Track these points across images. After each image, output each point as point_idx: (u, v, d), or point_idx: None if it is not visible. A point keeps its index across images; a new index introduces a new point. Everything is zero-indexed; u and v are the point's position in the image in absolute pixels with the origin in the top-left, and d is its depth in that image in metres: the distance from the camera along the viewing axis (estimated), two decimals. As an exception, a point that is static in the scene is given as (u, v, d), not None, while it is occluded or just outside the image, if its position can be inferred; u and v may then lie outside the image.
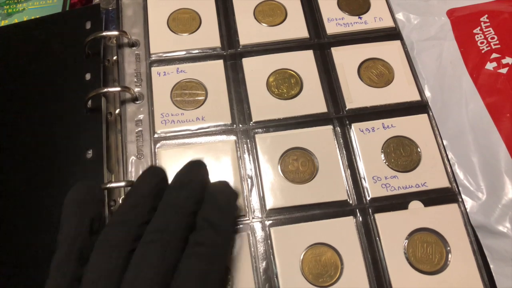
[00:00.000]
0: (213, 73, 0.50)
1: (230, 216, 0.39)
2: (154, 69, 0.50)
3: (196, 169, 0.39)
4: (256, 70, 0.50)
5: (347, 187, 0.44)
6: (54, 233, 0.42)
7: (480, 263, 0.41)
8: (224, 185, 0.39)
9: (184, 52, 0.51)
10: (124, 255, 0.33)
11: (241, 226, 0.43)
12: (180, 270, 0.33)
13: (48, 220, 0.43)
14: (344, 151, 0.46)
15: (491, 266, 0.41)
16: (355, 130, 0.47)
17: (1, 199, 0.45)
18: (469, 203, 0.44)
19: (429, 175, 0.45)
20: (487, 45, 0.51)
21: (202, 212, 0.36)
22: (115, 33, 0.50)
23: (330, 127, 0.47)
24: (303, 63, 0.50)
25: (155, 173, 0.38)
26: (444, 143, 0.47)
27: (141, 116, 0.48)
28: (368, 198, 0.44)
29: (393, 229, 0.42)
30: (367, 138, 0.47)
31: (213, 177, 0.44)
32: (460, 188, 0.45)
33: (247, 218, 0.43)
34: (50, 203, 0.44)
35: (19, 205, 0.44)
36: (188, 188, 0.37)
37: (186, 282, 0.33)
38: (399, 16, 0.54)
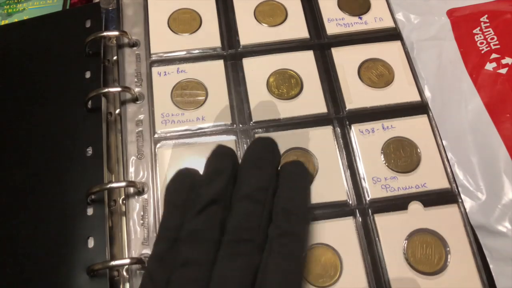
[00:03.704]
0: (213, 73, 0.50)
1: (308, 202, 0.38)
2: (155, 69, 0.50)
3: (268, 151, 0.38)
4: (256, 70, 0.50)
5: (347, 188, 0.45)
6: (54, 230, 0.43)
7: (479, 264, 0.41)
8: (297, 166, 0.38)
9: (184, 52, 0.51)
10: (214, 251, 0.33)
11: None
12: (266, 268, 0.33)
13: (48, 217, 0.44)
14: (344, 152, 0.46)
15: (491, 266, 0.41)
16: (355, 131, 0.47)
17: (2, 195, 0.45)
18: (468, 203, 0.44)
19: (429, 176, 0.45)
20: (487, 45, 0.51)
21: (280, 201, 0.35)
22: (116, 33, 0.50)
23: (330, 127, 0.47)
24: (303, 63, 0.50)
25: (228, 155, 0.37)
26: (444, 144, 0.47)
27: (141, 116, 0.48)
28: (367, 199, 0.44)
29: (392, 230, 0.43)
30: (367, 139, 0.47)
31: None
32: (459, 188, 0.45)
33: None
34: (50, 199, 0.44)
35: (19, 201, 0.45)
36: (265, 177, 0.36)
37: (273, 280, 0.32)
38: (399, 16, 0.54)
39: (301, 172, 0.38)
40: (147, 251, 0.42)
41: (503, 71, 0.49)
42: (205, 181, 0.37)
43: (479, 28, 0.52)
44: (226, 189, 0.35)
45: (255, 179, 0.36)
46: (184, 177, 0.38)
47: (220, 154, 0.38)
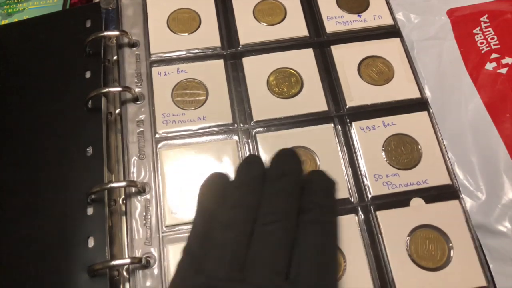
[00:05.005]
0: (213, 73, 0.50)
1: (334, 199, 0.40)
2: (155, 69, 0.50)
3: (291, 159, 0.41)
4: (256, 69, 0.50)
5: (349, 185, 0.44)
6: (54, 229, 0.43)
7: (482, 259, 0.41)
8: (319, 173, 0.41)
9: (184, 52, 0.51)
10: (247, 235, 0.35)
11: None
12: (298, 246, 0.35)
13: (48, 217, 0.43)
14: (345, 149, 0.46)
15: (491, 266, 0.41)
16: (356, 128, 0.47)
17: (2, 195, 0.45)
18: (468, 202, 0.44)
19: (430, 172, 0.45)
20: (487, 45, 0.51)
21: (307, 196, 0.38)
22: (116, 33, 0.50)
23: (331, 125, 0.47)
24: (303, 61, 0.50)
25: (259, 161, 0.41)
26: (444, 143, 0.47)
27: (142, 117, 0.48)
28: (369, 196, 0.44)
29: (395, 226, 0.42)
30: (368, 136, 0.46)
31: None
32: (459, 188, 0.45)
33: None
34: (51, 198, 0.44)
35: (20, 201, 0.44)
36: (292, 175, 0.39)
37: (306, 255, 0.34)
38: (399, 15, 0.54)
39: (325, 174, 0.40)
40: (150, 250, 0.42)
41: (503, 71, 0.49)
42: (237, 182, 0.39)
43: (479, 28, 0.52)
44: (257, 189, 0.38)
45: (283, 179, 0.38)
46: (216, 180, 0.41)
47: (251, 161, 0.41)
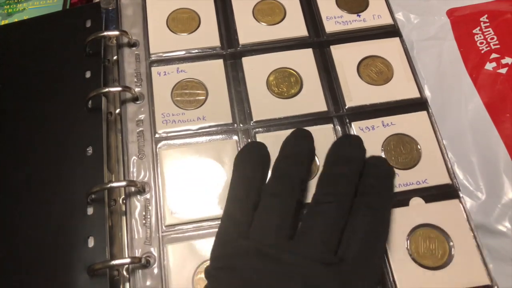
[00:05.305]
0: (213, 73, 0.50)
1: (392, 187, 0.42)
2: (154, 69, 0.50)
3: (356, 146, 0.42)
4: (256, 69, 0.50)
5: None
6: (54, 229, 0.42)
7: (484, 257, 0.41)
8: (381, 160, 0.43)
9: (183, 52, 0.51)
10: (293, 205, 0.37)
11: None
12: (351, 226, 0.36)
13: (48, 217, 0.43)
14: (345, 149, 0.46)
15: (491, 266, 0.41)
16: (355, 129, 0.47)
17: (2, 195, 0.45)
18: (468, 202, 0.44)
19: (429, 172, 0.45)
20: (487, 45, 0.51)
21: (367, 180, 0.40)
22: (116, 33, 0.50)
23: (330, 126, 0.47)
24: (303, 61, 0.50)
25: (307, 135, 0.43)
26: (444, 143, 0.47)
27: (142, 116, 0.48)
28: (369, 196, 0.44)
29: (395, 225, 0.42)
30: (367, 136, 0.46)
31: (215, 177, 0.44)
32: (459, 187, 0.45)
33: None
34: (51, 198, 0.44)
35: (20, 201, 0.44)
36: (355, 162, 0.41)
37: (357, 236, 0.36)
38: (399, 16, 0.54)
39: (386, 163, 0.43)
40: (149, 250, 0.42)
41: (503, 71, 0.49)
42: (285, 153, 0.42)
43: (479, 28, 0.52)
44: (304, 163, 0.41)
45: (345, 165, 0.40)
46: (254, 149, 0.43)
47: (299, 136, 0.43)
